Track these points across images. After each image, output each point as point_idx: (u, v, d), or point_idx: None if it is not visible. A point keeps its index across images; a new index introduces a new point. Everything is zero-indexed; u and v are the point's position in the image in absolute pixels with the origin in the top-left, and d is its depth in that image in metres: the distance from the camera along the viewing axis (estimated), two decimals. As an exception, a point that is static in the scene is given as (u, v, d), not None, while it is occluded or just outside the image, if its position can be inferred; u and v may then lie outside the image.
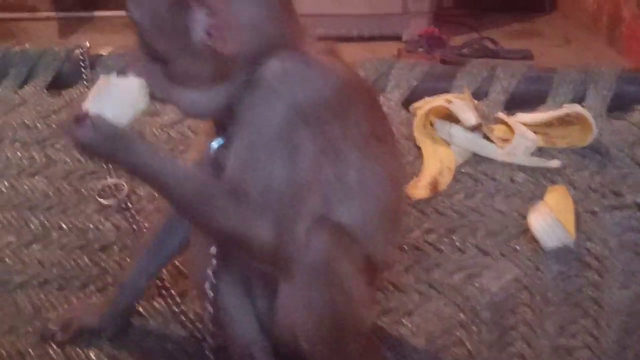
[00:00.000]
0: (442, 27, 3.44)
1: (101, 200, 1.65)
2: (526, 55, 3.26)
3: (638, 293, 1.42)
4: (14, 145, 1.85)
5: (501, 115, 1.90)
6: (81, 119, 1.00)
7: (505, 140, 1.82)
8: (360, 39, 3.42)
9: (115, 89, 1.02)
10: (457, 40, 3.43)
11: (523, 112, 1.95)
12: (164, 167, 1.02)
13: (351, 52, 3.27)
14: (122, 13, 3.50)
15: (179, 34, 1.00)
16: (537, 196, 1.67)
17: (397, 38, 3.45)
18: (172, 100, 1.06)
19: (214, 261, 1.12)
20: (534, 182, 1.73)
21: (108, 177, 1.70)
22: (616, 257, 1.50)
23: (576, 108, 1.84)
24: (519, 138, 1.78)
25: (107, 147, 1.01)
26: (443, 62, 3.14)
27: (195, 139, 1.20)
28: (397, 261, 1.40)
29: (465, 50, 3.31)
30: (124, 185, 1.67)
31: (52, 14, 3.60)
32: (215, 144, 1.08)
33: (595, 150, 1.82)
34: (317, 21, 3.26)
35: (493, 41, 3.36)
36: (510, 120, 1.86)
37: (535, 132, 1.83)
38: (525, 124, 1.85)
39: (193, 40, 1.00)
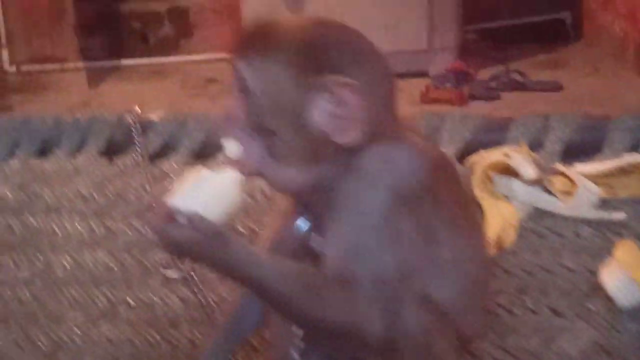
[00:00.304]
0: (468, 61, 3.40)
1: (166, 271, 1.64)
2: (555, 86, 3.22)
3: None
4: (72, 217, 1.86)
5: (560, 166, 1.87)
6: (173, 214, 0.95)
7: (567, 193, 1.80)
8: None
9: (209, 183, 0.95)
10: (484, 73, 3.40)
11: (580, 161, 1.93)
12: (264, 264, 0.97)
13: None
14: (148, 61, 3.63)
15: (295, 112, 0.98)
16: (605, 251, 1.63)
17: (424, 74, 3.44)
18: (265, 174, 1.03)
19: (300, 342, 1.10)
20: (600, 237, 1.70)
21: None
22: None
23: (638, 157, 1.82)
24: (582, 191, 1.76)
25: (204, 246, 0.95)
26: (472, 97, 3.13)
27: (270, 218, 1.18)
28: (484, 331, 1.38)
29: (493, 84, 3.27)
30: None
31: (80, 64, 3.64)
32: (303, 225, 1.07)
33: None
34: None
35: (521, 73, 3.33)
36: (570, 171, 1.83)
37: (595, 183, 1.80)
38: (585, 175, 1.82)
39: (308, 122, 0.98)
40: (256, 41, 1.01)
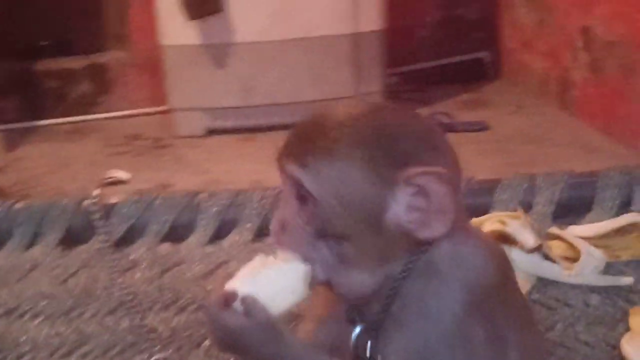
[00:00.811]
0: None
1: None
2: (482, 126, 3.21)
3: None
4: (37, 321, 1.67)
5: (556, 230, 1.79)
6: (231, 300, 0.85)
7: (568, 259, 1.72)
8: None
9: (276, 272, 0.88)
10: None
11: (569, 221, 1.86)
12: None
13: None
14: (67, 120, 3.41)
15: (372, 213, 0.87)
16: (618, 320, 1.55)
17: None
18: (334, 281, 0.91)
19: None
20: (611, 304, 1.62)
21: (155, 351, 1.53)
22: None
23: (634, 217, 1.75)
24: (587, 257, 1.68)
25: (257, 337, 0.86)
26: None
27: (308, 316, 1.04)
28: None
29: None
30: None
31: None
32: (356, 331, 0.94)
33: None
34: (271, 111, 3.14)
35: (447, 114, 3.32)
36: (569, 235, 1.75)
37: (594, 246, 1.73)
38: (582, 238, 1.75)
39: (387, 221, 0.87)
40: (314, 143, 0.88)
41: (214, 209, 1.97)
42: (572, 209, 1.92)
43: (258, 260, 0.91)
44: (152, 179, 2.53)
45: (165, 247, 1.94)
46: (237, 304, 0.86)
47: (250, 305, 0.86)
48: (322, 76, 3.11)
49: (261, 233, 1.94)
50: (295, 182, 0.89)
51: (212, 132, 3.04)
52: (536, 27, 3.40)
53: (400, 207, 0.87)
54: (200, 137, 3.02)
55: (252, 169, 2.59)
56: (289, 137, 0.92)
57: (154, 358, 1.53)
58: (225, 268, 1.84)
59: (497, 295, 0.91)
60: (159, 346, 1.56)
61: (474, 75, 3.97)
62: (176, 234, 1.96)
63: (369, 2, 3.05)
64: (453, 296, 0.88)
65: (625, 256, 1.74)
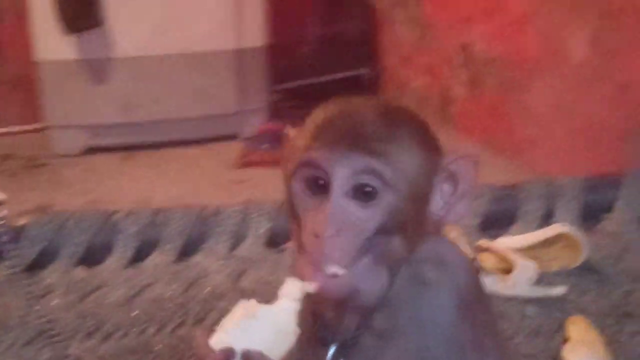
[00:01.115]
0: (276, 121, 3.32)
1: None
2: None
3: None
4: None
5: (486, 242, 1.80)
6: (230, 357, 0.78)
7: (501, 270, 1.72)
8: (197, 141, 3.30)
9: (265, 318, 0.81)
10: None
11: (494, 234, 1.88)
12: None
13: (194, 156, 3.13)
14: None
15: (425, 199, 0.86)
16: (555, 330, 1.57)
17: (233, 137, 3.34)
18: (365, 287, 0.85)
19: None
20: (546, 315, 1.63)
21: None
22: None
23: (564, 228, 1.78)
24: (521, 268, 1.69)
25: None
26: None
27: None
28: None
29: None
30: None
31: None
32: (331, 350, 0.90)
33: (587, 268, 1.77)
34: (153, 128, 3.04)
35: None
36: (500, 248, 1.76)
37: (525, 257, 1.74)
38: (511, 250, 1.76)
39: (430, 210, 0.86)
40: (375, 132, 0.83)
41: (133, 229, 1.86)
42: (496, 222, 1.93)
43: (242, 307, 0.82)
44: (29, 200, 2.34)
45: (82, 270, 1.83)
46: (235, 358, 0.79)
47: (255, 357, 0.79)
48: (204, 92, 3.06)
49: (184, 253, 1.85)
50: (360, 174, 0.82)
51: (91, 150, 2.90)
52: (416, 44, 3.43)
53: (437, 193, 0.86)
54: (78, 155, 2.87)
55: (135, 187, 2.49)
56: (324, 133, 0.85)
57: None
58: (149, 291, 1.75)
59: (477, 297, 0.89)
60: (87, 377, 1.46)
61: (355, 92, 3.99)
62: (92, 256, 1.85)
63: (251, 18, 3.02)
64: (445, 304, 0.85)
65: (554, 267, 1.76)
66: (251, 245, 1.84)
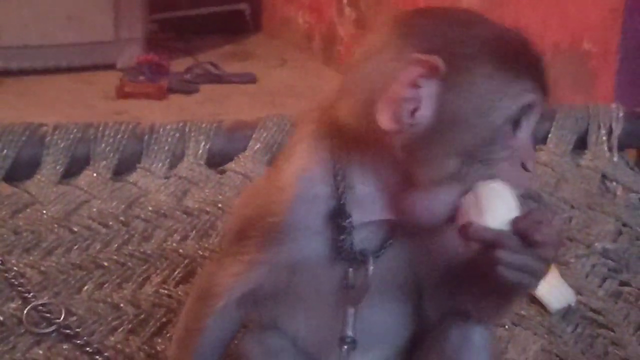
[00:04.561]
0: (154, 52, 3.29)
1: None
2: (251, 79, 3.30)
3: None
4: None
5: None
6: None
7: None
8: (71, 69, 3.18)
9: (504, 195, 0.88)
10: (177, 65, 3.33)
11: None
12: None
13: (66, 85, 2.99)
14: None
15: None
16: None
17: (111, 67, 3.25)
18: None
19: None
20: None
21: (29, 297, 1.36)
22: (612, 308, 1.48)
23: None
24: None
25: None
26: (170, 90, 3.07)
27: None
28: None
29: (189, 76, 3.25)
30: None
31: None
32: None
33: (527, 197, 1.85)
34: (22, 53, 2.95)
35: (215, 65, 3.33)
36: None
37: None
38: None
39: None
40: (451, 38, 0.87)
41: (62, 144, 1.74)
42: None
43: (484, 187, 0.88)
44: None
45: (8, 186, 1.69)
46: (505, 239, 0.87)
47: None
48: (78, 19, 2.94)
49: (119, 172, 1.76)
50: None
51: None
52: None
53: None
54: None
55: (5, 115, 2.32)
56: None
57: (31, 305, 1.33)
58: (87, 208, 1.64)
59: None
60: (32, 293, 1.36)
61: (234, 27, 3.94)
62: (17, 172, 1.71)
63: (130, -56, 2.85)
64: None
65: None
66: (191, 165, 1.78)
